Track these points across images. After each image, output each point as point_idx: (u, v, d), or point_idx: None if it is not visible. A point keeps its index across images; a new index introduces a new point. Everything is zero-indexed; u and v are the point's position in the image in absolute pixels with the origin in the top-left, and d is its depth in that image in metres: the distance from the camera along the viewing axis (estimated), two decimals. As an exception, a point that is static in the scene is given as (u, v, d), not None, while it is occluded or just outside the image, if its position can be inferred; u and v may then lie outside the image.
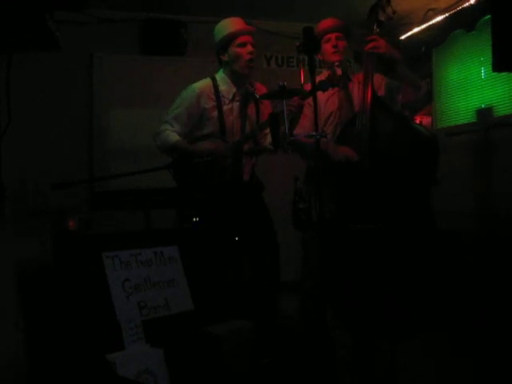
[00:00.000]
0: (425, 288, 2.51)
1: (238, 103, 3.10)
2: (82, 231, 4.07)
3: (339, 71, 2.89)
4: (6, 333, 2.30)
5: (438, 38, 4.71)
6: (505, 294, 3.30)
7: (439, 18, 4.62)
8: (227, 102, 3.07)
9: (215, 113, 3.04)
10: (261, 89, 3.19)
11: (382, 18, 2.77)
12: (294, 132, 2.87)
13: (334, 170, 2.83)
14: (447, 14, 4.53)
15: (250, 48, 3.01)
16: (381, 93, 2.94)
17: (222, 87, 3.09)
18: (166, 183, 3.13)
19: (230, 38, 2.99)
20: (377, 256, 2.53)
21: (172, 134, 3.03)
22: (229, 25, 3.04)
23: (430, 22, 4.71)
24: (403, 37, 4.95)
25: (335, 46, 2.98)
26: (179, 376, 2.15)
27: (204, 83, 3.11)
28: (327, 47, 3.00)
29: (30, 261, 2.67)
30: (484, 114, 4.28)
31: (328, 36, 2.99)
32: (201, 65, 3.20)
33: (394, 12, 2.77)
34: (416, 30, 4.88)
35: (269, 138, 3.01)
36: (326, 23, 3.04)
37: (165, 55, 4.85)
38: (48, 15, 1.89)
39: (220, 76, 3.13)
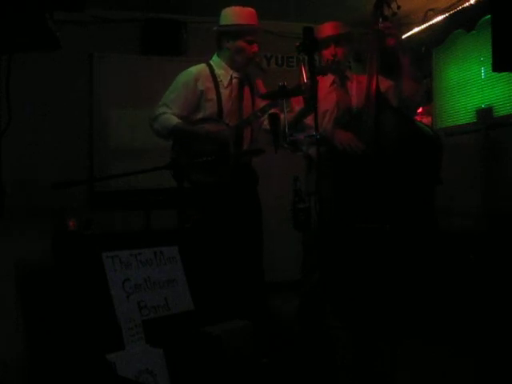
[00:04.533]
0: (426, 288, 2.51)
1: (235, 86, 3.07)
2: (81, 231, 4.07)
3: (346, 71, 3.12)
4: (6, 333, 2.30)
5: (437, 37, 4.71)
6: (505, 293, 3.29)
7: (439, 18, 4.62)
8: (225, 84, 3.04)
9: (213, 95, 3.00)
10: (259, 84, 3.18)
11: (387, 13, 2.81)
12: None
13: (335, 163, 2.85)
14: (447, 14, 4.54)
15: (255, 48, 3.00)
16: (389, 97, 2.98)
17: (219, 71, 3.05)
18: (166, 183, 3.13)
19: (241, 31, 2.95)
20: (377, 256, 2.53)
21: (171, 117, 2.95)
22: (244, 16, 2.97)
23: (430, 22, 4.72)
24: (403, 37, 4.95)
25: (334, 55, 3.06)
26: (179, 376, 2.15)
27: (200, 67, 3.07)
28: (326, 53, 3.08)
29: (29, 261, 2.67)
30: (484, 113, 4.28)
31: (328, 43, 3.05)
32: (201, 65, 3.20)
33: (399, 7, 2.81)
34: (416, 29, 4.89)
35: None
36: (328, 30, 3.07)
37: (165, 55, 4.86)
38: (48, 15, 1.89)
39: (216, 61, 3.09)
